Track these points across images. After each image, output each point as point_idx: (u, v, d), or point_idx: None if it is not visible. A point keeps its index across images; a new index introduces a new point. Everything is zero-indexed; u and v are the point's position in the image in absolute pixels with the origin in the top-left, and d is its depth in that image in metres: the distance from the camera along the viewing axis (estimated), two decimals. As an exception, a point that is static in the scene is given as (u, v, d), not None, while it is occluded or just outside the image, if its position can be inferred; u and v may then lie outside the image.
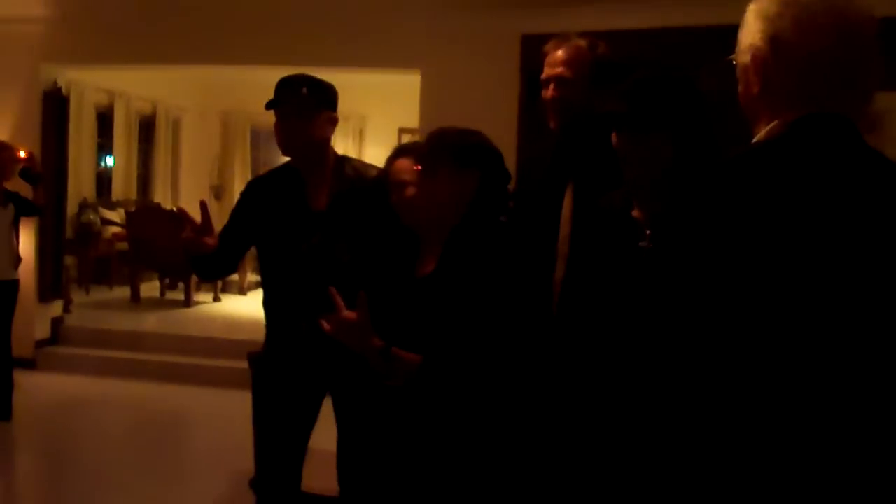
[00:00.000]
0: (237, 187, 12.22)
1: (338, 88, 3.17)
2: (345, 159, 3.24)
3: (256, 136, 13.05)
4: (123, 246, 10.27)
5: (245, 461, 3.44)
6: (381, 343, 2.25)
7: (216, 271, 3.36)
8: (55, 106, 7.84)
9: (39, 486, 5.32)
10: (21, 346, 6.59)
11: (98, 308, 9.46)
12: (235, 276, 10.31)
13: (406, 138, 10.96)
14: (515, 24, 6.37)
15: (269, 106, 3.06)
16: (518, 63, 6.44)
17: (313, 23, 6.99)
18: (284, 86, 3.06)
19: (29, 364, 7.41)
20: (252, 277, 10.48)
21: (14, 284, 6.08)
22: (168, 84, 11.69)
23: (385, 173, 2.92)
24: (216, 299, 10.21)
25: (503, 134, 6.17)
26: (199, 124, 12.89)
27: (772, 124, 1.48)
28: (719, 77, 1.75)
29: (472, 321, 2.21)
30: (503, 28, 6.43)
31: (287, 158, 3.19)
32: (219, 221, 2.94)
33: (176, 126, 12.59)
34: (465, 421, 2.25)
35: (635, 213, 2.20)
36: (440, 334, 2.24)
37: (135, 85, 11.21)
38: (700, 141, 2.10)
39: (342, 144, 11.61)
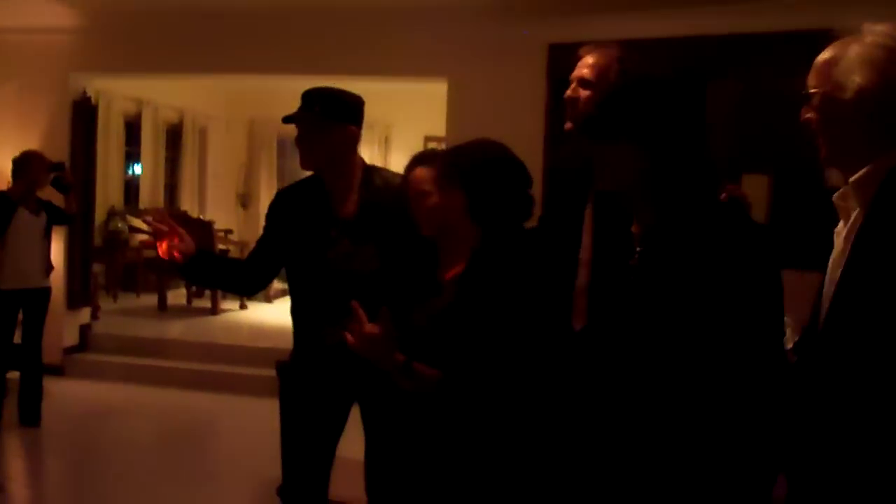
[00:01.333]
0: (263, 196, 12.29)
1: (363, 96, 3.17)
2: (373, 169, 3.23)
3: (283, 145, 13.07)
4: (151, 253, 10.32)
5: (272, 469, 3.44)
6: (403, 358, 2.25)
7: (247, 286, 3.38)
8: (84, 115, 7.91)
9: (67, 492, 5.37)
10: (50, 352, 6.63)
11: (125, 315, 9.52)
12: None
13: (432, 146, 10.96)
14: (542, 33, 6.37)
15: (285, 121, 3.09)
16: (545, 72, 6.44)
17: (340, 32, 7.02)
18: (302, 101, 3.08)
19: (57, 371, 7.47)
20: (278, 285, 10.48)
21: (46, 292, 6.15)
22: (195, 93, 11.75)
23: (404, 182, 2.91)
24: (242, 307, 10.25)
25: (529, 142, 6.22)
26: (225, 133, 12.95)
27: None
28: (746, 83, 1.79)
29: (493, 332, 2.21)
30: (530, 37, 6.43)
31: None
32: (245, 229, 2.97)
33: (203, 135, 12.64)
34: (489, 432, 2.24)
35: (634, 228, 2.15)
36: (460, 345, 2.24)
37: (162, 94, 11.28)
38: (678, 154, 2.00)
39: (367, 152, 11.61)
